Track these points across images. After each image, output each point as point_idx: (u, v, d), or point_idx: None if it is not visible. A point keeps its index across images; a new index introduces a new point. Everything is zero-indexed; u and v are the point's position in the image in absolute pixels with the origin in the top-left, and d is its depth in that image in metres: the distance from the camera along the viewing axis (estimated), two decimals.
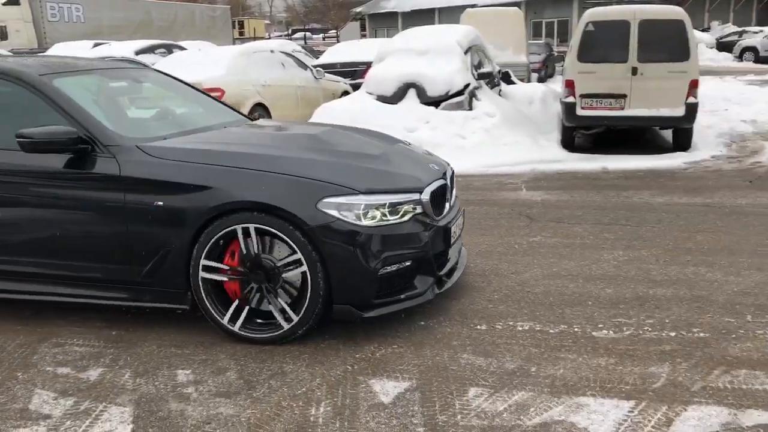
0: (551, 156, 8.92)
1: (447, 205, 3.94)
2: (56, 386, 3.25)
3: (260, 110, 9.86)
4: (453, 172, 4.27)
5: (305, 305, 3.44)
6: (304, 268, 3.38)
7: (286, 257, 3.46)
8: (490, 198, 6.93)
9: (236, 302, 3.55)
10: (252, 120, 4.98)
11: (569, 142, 9.48)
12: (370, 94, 9.86)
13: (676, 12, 8.94)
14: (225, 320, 3.56)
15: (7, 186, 3.77)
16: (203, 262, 3.50)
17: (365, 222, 3.42)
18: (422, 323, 3.79)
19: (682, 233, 5.38)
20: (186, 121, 4.51)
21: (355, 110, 9.35)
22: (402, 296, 3.59)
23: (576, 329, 3.68)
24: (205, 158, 3.61)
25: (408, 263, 3.55)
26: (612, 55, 8.81)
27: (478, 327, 3.74)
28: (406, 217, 3.56)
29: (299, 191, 3.42)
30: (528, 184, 7.48)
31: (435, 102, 9.55)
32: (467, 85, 9.66)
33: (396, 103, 9.65)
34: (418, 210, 3.62)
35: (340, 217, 3.38)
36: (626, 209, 6.21)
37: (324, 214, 3.37)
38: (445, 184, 3.96)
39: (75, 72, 4.25)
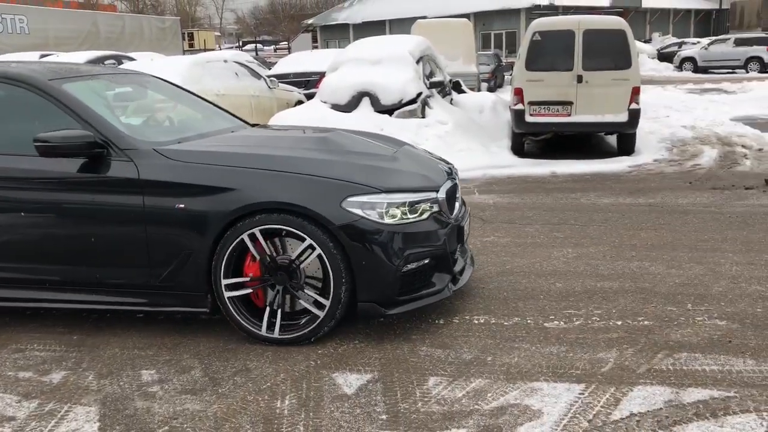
0: (502, 162, 9.17)
1: (457, 204, 4.06)
2: (19, 389, 3.25)
3: None
4: (457, 172, 4.38)
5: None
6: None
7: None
8: None
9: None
10: (252, 126, 4.99)
11: (519, 149, 9.76)
12: (324, 102, 9.97)
13: (618, 22, 9.33)
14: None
15: (20, 192, 3.73)
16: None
17: (387, 220, 3.50)
18: (381, 320, 3.90)
19: (627, 231, 5.64)
20: (193, 126, 4.52)
21: (310, 119, 9.43)
22: (423, 293, 3.67)
23: (529, 321, 3.84)
24: (225, 160, 3.65)
25: (427, 261, 3.63)
26: (558, 63, 9.14)
27: (436, 322, 3.88)
28: (424, 216, 3.64)
29: (323, 191, 3.49)
30: (480, 188, 7.69)
31: (388, 110, 9.70)
32: (420, 94, 9.85)
33: (350, 112, 9.77)
34: (435, 208, 3.72)
35: (364, 215, 3.46)
36: (574, 210, 6.46)
37: (349, 213, 3.44)
38: (455, 184, 4.10)
39: (82, 76, 4.23)
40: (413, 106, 9.72)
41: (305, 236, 3.47)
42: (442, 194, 3.81)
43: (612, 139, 10.26)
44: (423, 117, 9.79)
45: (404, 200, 3.60)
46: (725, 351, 3.39)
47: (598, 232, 5.63)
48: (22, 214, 3.75)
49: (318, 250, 3.47)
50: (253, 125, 5.11)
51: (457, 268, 3.95)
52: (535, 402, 2.98)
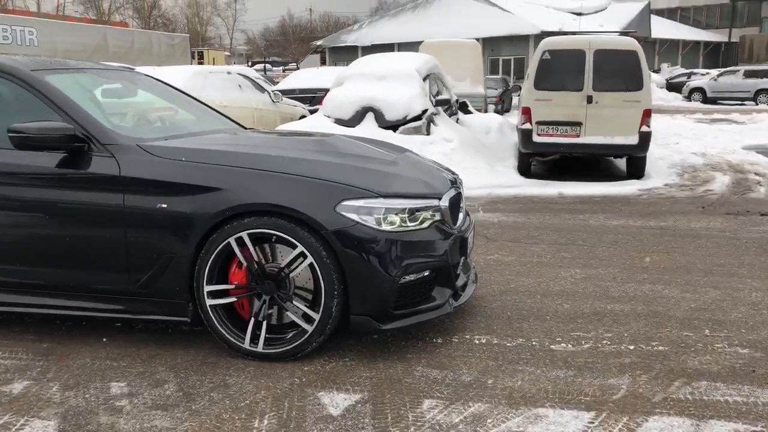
0: (508, 181, 8.92)
1: (461, 215, 3.80)
2: None
3: None
4: (462, 182, 4.13)
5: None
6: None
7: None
8: None
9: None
10: (247, 129, 4.75)
11: (526, 169, 9.52)
12: (327, 117, 9.76)
13: (630, 43, 9.13)
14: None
15: None
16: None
17: (385, 227, 3.24)
18: (375, 336, 3.62)
19: (638, 253, 5.36)
20: (184, 126, 4.30)
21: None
22: (422, 307, 3.39)
23: (534, 343, 3.56)
24: (213, 158, 3.39)
25: (427, 273, 3.36)
26: (568, 83, 8.92)
27: (434, 340, 3.60)
28: (425, 224, 3.38)
29: (317, 193, 3.24)
30: (485, 207, 7.43)
31: (393, 126, 9.48)
32: (425, 111, 9.64)
33: (354, 126, 9.55)
34: (437, 217, 3.44)
35: (360, 221, 3.20)
36: (582, 231, 6.18)
37: (343, 218, 3.18)
38: (459, 193, 3.83)
39: (68, 70, 4.03)
40: (418, 123, 9.51)
41: (297, 243, 3.21)
42: (444, 202, 3.55)
43: (621, 163, 10.01)
44: (428, 134, 9.57)
45: (404, 206, 3.34)
46: (749, 381, 3.10)
47: (608, 254, 5.35)
48: None
49: (309, 259, 3.21)
50: (249, 129, 4.88)
51: (459, 283, 3.67)
52: (540, 430, 2.69)
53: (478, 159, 9.49)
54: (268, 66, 48.21)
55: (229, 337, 3.35)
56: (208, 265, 3.29)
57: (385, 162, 3.75)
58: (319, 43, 44.32)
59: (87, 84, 4.06)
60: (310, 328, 3.27)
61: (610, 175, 9.68)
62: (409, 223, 3.35)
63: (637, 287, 4.48)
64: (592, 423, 2.74)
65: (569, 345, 3.52)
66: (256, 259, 3.29)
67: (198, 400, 2.95)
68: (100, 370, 3.25)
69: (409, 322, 3.37)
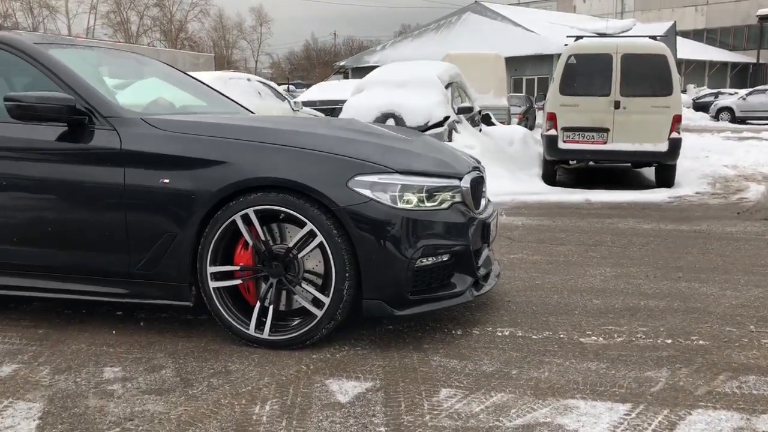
0: (532, 189, 8.66)
1: (483, 201, 3.57)
2: None
3: None
4: (485, 169, 3.89)
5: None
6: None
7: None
8: None
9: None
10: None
11: (550, 177, 9.24)
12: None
13: (658, 47, 8.85)
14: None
15: None
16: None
17: (401, 205, 3.00)
18: (390, 327, 3.37)
19: (671, 254, 5.05)
20: (192, 107, 4.15)
21: None
22: (440, 294, 3.15)
23: (562, 335, 3.28)
24: (219, 131, 3.19)
25: (446, 257, 3.12)
26: (594, 88, 8.67)
27: (453, 332, 3.34)
28: (444, 205, 3.14)
29: (328, 168, 3.01)
30: (508, 211, 7.15)
31: None
32: (447, 118, 9.43)
33: None
34: (458, 199, 3.20)
35: (374, 197, 2.96)
36: (611, 233, 5.89)
37: (356, 194, 2.95)
38: (481, 177, 3.58)
39: (74, 46, 3.90)
40: (439, 129, 9.28)
41: (306, 220, 2.99)
42: (466, 183, 3.30)
43: (649, 173, 9.68)
44: (450, 141, 9.35)
45: (422, 185, 3.11)
46: None
47: (639, 254, 5.05)
48: None
49: (319, 237, 2.98)
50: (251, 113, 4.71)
51: (481, 273, 3.42)
52: (570, 421, 2.41)
53: (501, 167, 9.23)
54: (291, 87, 48.57)
55: (233, 323, 3.12)
56: (212, 244, 3.08)
57: (403, 140, 3.54)
58: (342, 63, 44.55)
59: (92, 61, 3.91)
60: (319, 313, 3.03)
61: (638, 184, 9.36)
62: (427, 203, 3.11)
63: (672, 285, 4.18)
64: (629, 415, 2.45)
65: (600, 338, 3.24)
66: (263, 238, 3.08)
67: (196, 385, 2.72)
68: (95, 356, 3.04)
69: (426, 308, 3.13)
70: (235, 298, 3.17)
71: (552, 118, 8.81)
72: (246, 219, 3.04)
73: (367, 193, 2.99)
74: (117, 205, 3.15)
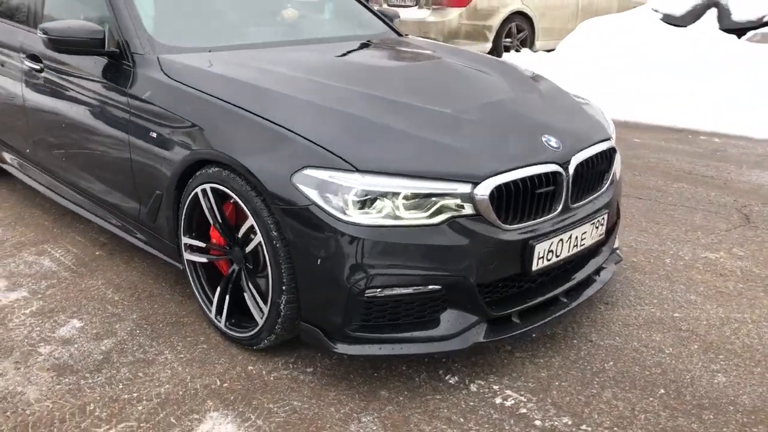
0: None
1: (559, 206, 2.52)
2: None
3: (519, 21, 8.49)
4: (610, 152, 2.80)
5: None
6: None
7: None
8: None
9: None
10: (401, 36, 3.89)
11: None
12: (655, 11, 7.78)
13: None
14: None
15: (59, 85, 3.35)
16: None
17: (353, 216, 2.24)
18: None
19: None
20: (302, 29, 3.74)
21: (622, 30, 7.47)
22: (411, 336, 2.36)
23: None
24: (208, 87, 2.70)
25: (427, 288, 2.31)
26: None
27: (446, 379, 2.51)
28: (438, 218, 2.28)
29: (278, 151, 2.38)
30: None
31: (740, 30, 7.13)
32: None
33: (686, 26, 7.46)
34: (467, 210, 2.31)
35: (317, 201, 2.25)
36: None
37: (298, 193, 2.27)
38: (556, 174, 2.49)
39: None
40: None
41: (248, 213, 2.44)
42: (484, 190, 2.30)
43: None
44: None
45: (400, 189, 2.25)
46: None
47: None
48: (53, 110, 3.42)
49: (258, 237, 2.42)
50: (403, 35, 3.95)
51: (530, 303, 2.52)
52: None
53: None
54: None
55: (200, 300, 2.81)
56: (184, 213, 2.74)
57: (439, 114, 2.60)
58: None
59: None
60: (260, 322, 2.53)
61: None
62: (407, 213, 2.26)
63: None
64: None
65: None
66: (219, 218, 2.62)
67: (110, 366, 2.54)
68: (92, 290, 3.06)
69: (383, 352, 2.36)
70: (210, 275, 2.82)
71: None
72: (204, 194, 2.61)
73: (311, 194, 2.27)
74: (125, 149, 2.97)
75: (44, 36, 2.97)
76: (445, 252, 2.28)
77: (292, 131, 2.40)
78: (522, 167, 2.41)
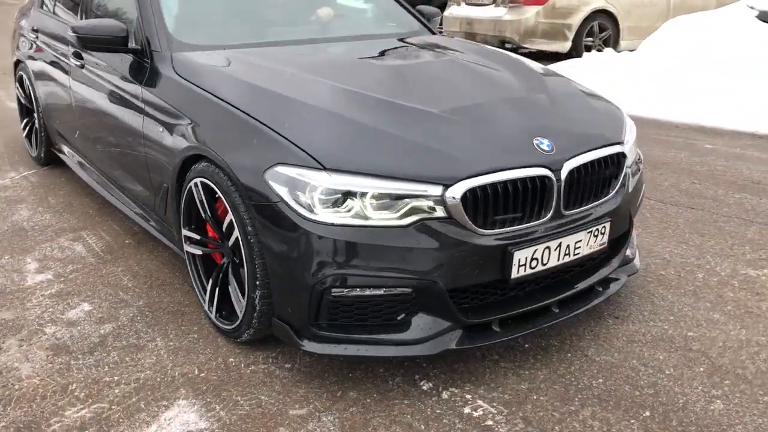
0: None
1: (549, 212, 2.40)
2: None
3: (602, 19, 8.12)
4: (618, 157, 2.64)
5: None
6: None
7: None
8: None
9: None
10: (433, 34, 3.84)
11: None
12: (751, 8, 7.23)
13: None
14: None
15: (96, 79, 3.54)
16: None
17: (321, 212, 2.22)
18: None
19: None
20: (334, 28, 3.74)
21: (711, 29, 7.00)
22: (377, 338, 2.32)
23: None
24: (211, 84, 2.77)
25: (396, 290, 2.26)
26: None
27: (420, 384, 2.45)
28: (407, 219, 2.22)
29: (256, 148, 2.41)
30: None
31: None
32: None
33: None
34: (438, 213, 2.25)
35: (286, 199, 2.26)
36: None
37: (269, 190, 2.29)
38: (545, 178, 2.37)
39: None
40: None
41: (228, 208, 2.49)
42: (455, 193, 2.23)
43: None
44: None
45: (369, 189, 2.22)
46: None
47: None
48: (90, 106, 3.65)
49: (236, 233, 2.45)
50: (437, 33, 3.89)
51: (513, 311, 2.43)
52: None
53: None
54: None
55: (197, 291, 2.89)
56: (182, 205, 2.83)
57: (430, 115, 2.53)
58: None
59: None
60: (240, 315, 2.57)
61: None
62: (375, 214, 2.22)
63: None
64: None
65: None
66: (209, 213, 2.68)
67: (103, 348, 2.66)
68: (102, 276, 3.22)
69: (349, 352, 2.33)
70: (208, 267, 2.88)
71: None
72: (197, 187, 2.68)
73: (281, 191, 2.28)
74: (140, 143, 3.10)
75: (74, 35, 3.14)
76: (412, 254, 2.23)
77: (269, 127, 2.42)
78: (502, 170, 2.31)
